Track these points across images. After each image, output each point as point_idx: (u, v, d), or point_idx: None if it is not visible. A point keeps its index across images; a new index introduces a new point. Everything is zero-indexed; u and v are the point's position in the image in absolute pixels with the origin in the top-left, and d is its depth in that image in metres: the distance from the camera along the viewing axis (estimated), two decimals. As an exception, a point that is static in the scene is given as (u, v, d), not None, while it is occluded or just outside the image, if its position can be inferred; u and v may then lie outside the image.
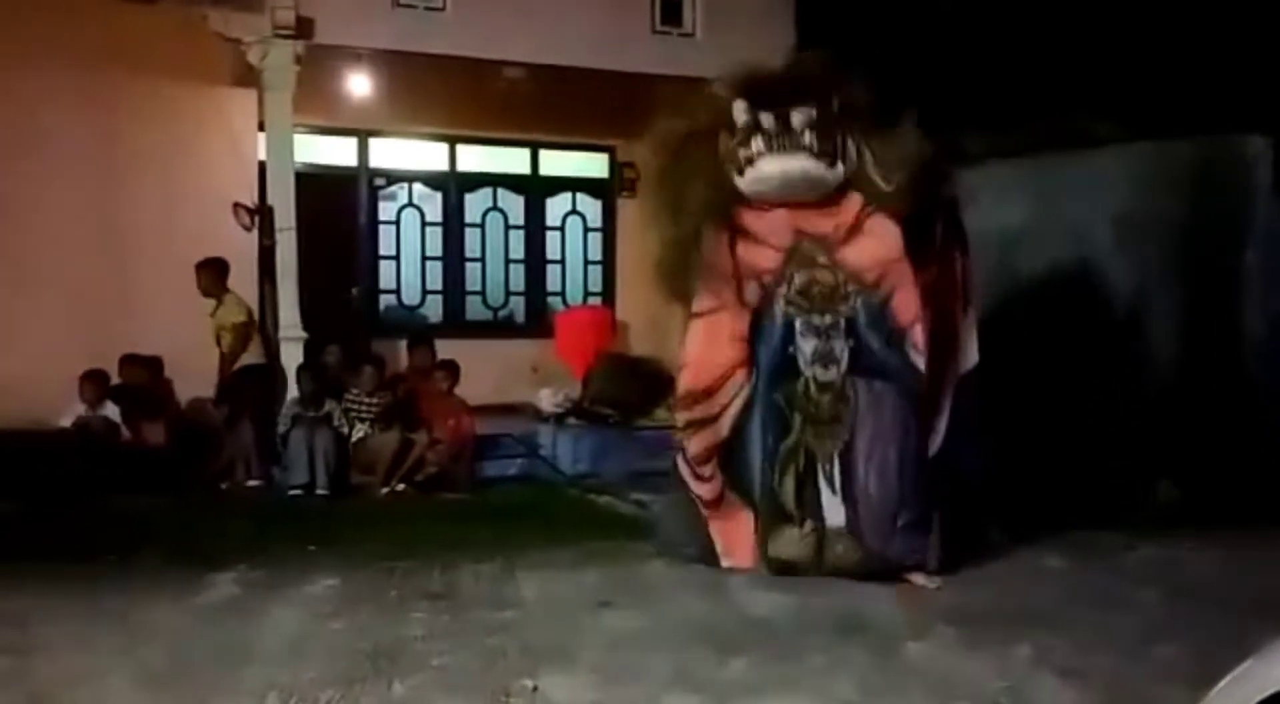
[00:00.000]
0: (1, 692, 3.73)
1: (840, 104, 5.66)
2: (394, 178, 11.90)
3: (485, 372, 9.68)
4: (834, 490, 5.63)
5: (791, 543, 5.65)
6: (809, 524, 5.63)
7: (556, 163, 12.40)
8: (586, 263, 12.64)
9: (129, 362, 8.83)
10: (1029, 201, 8.48)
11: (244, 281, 9.69)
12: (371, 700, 3.70)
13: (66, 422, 8.23)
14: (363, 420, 8.48)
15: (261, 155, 9.59)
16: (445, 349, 9.31)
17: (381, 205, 11.88)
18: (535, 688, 3.81)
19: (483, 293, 12.25)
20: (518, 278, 12.39)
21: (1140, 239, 7.91)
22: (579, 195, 12.56)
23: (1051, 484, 6.90)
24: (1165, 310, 7.83)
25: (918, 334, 5.59)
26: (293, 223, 9.29)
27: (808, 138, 5.54)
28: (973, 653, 4.24)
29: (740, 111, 5.63)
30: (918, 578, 5.46)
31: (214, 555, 5.84)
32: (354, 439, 8.45)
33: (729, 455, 5.90)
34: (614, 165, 12.44)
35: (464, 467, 8.54)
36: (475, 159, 12.12)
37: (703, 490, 5.92)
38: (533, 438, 9.51)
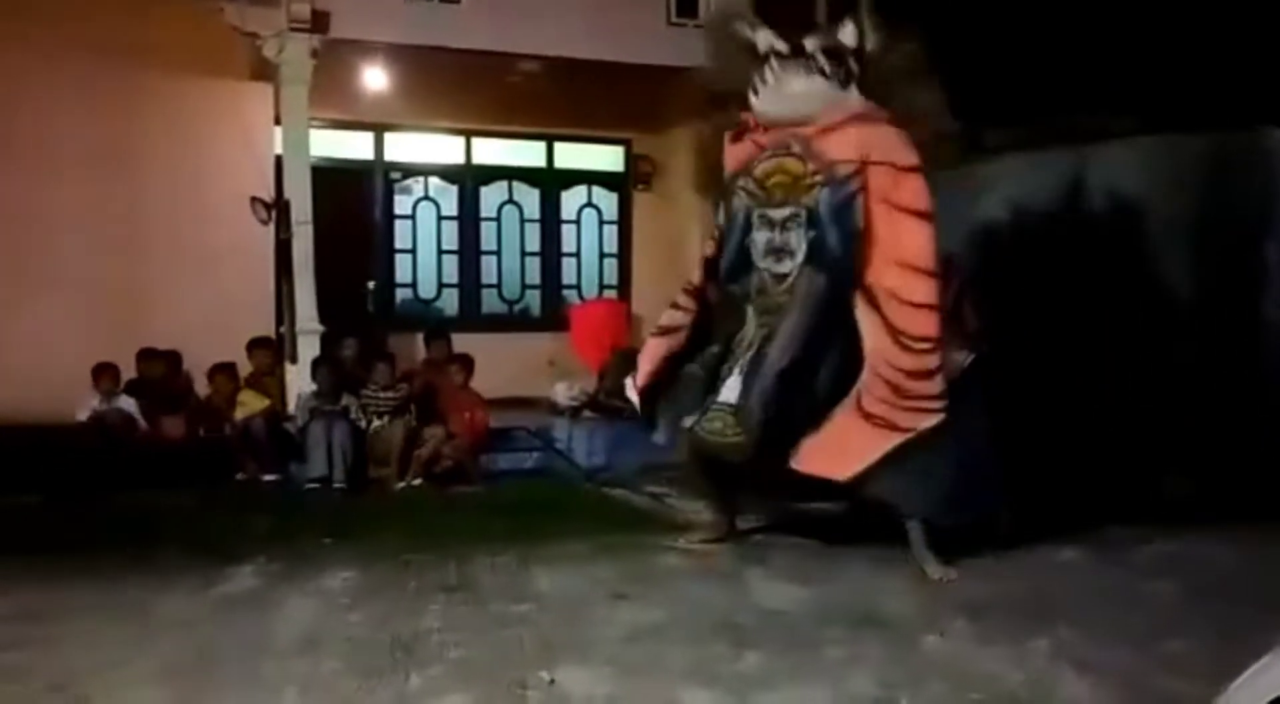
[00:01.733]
0: (22, 683, 3.76)
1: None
2: (410, 171, 11.93)
3: (501, 365, 9.70)
4: (739, 370, 5.67)
5: (712, 422, 5.68)
6: (711, 400, 5.72)
7: (572, 156, 12.42)
8: (602, 256, 12.66)
9: (147, 355, 8.88)
10: (1047, 194, 8.44)
11: (261, 276, 9.75)
12: (389, 692, 3.72)
13: (82, 415, 8.27)
14: (380, 415, 8.50)
15: (278, 149, 9.63)
16: (461, 342, 9.33)
17: (397, 199, 11.92)
18: (552, 680, 3.82)
19: (498, 286, 12.28)
20: (533, 271, 12.41)
21: (1159, 232, 7.87)
22: (594, 188, 12.57)
23: (1065, 476, 6.87)
24: (1182, 302, 7.79)
25: (870, 238, 5.57)
26: (309, 217, 9.31)
27: (821, 60, 5.76)
28: (989, 646, 4.24)
29: (763, 39, 5.88)
30: (934, 570, 5.45)
31: (232, 548, 5.86)
32: (369, 432, 8.48)
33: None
34: (629, 158, 12.45)
35: (479, 460, 8.55)
36: (491, 152, 12.14)
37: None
38: (548, 431, 9.52)
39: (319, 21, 9.18)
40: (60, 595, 4.93)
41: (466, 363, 8.82)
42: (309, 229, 9.32)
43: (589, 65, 9.87)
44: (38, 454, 7.65)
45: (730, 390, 5.67)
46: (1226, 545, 5.84)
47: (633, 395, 6.32)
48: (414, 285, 11.99)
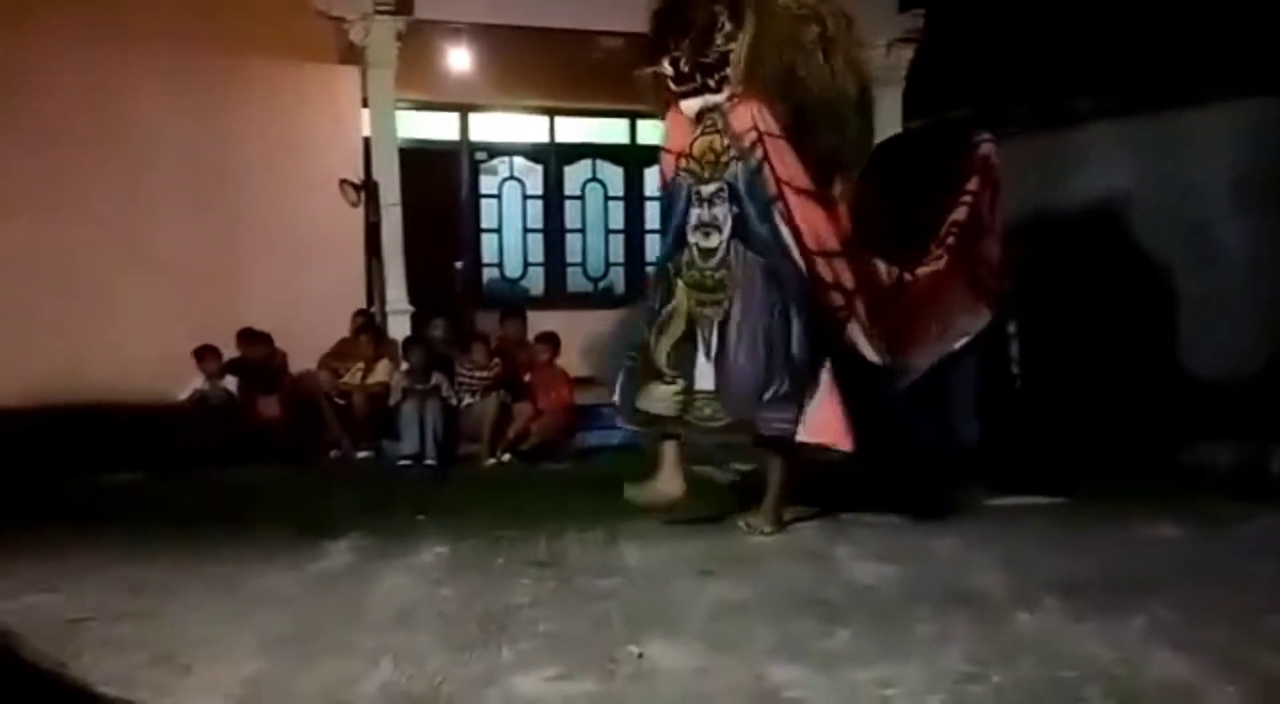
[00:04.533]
0: (127, 654, 3.89)
1: (714, 25, 5.90)
2: (495, 151, 12.01)
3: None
4: (708, 356, 5.84)
5: (661, 400, 5.92)
6: (680, 384, 5.87)
7: (654, 132, 12.34)
8: (686, 232, 12.59)
9: (247, 336, 9.10)
10: (1139, 162, 8.21)
11: (351, 258, 9.91)
12: (481, 666, 3.77)
13: (184, 395, 8.52)
14: (472, 393, 8.62)
15: (366, 132, 9.76)
16: (547, 320, 9.40)
17: (483, 179, 12.02)
18: (641, 655, 3.85)
19: (583, 264, 12.33)
20: (617, 249, 12.43)
21: (1257, 199, 7.61)
22: (678, 165, 12.50)
23: (1165, 451, 6.72)
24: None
25: (784, 209, 5.75)
26: (397, 198, 9.45)
27: (698, 76, 5.92)
28: (1083, 624, 4.16)
29: (663, 68, 6.09)
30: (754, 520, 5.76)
31: (327, 524, 6.01)
32: (460, 409, 8.61)
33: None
34: (714, 133, 12.35)
35: (567, 437, 8.63)
36: (574, 131, 12.17)
37: None
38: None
39: (404, 4, 9.28)
40: (164, 570, 5.09)
41: (554, 341, 8.88)
42: (397, 210, 9.46)
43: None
44: (142, 432, 7.91)
45: (704, 377, 5.86)
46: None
47: None
48: (500, 265, 12.10)
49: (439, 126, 11.67)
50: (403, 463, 8.27)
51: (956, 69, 10.21)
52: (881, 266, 6.37)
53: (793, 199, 5.78)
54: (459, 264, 11.63)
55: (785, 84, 5.86)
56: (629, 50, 10.15)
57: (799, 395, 5.68)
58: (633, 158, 12.36)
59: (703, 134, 5.97)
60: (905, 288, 6.40)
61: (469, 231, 11.91)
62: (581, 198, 12.29)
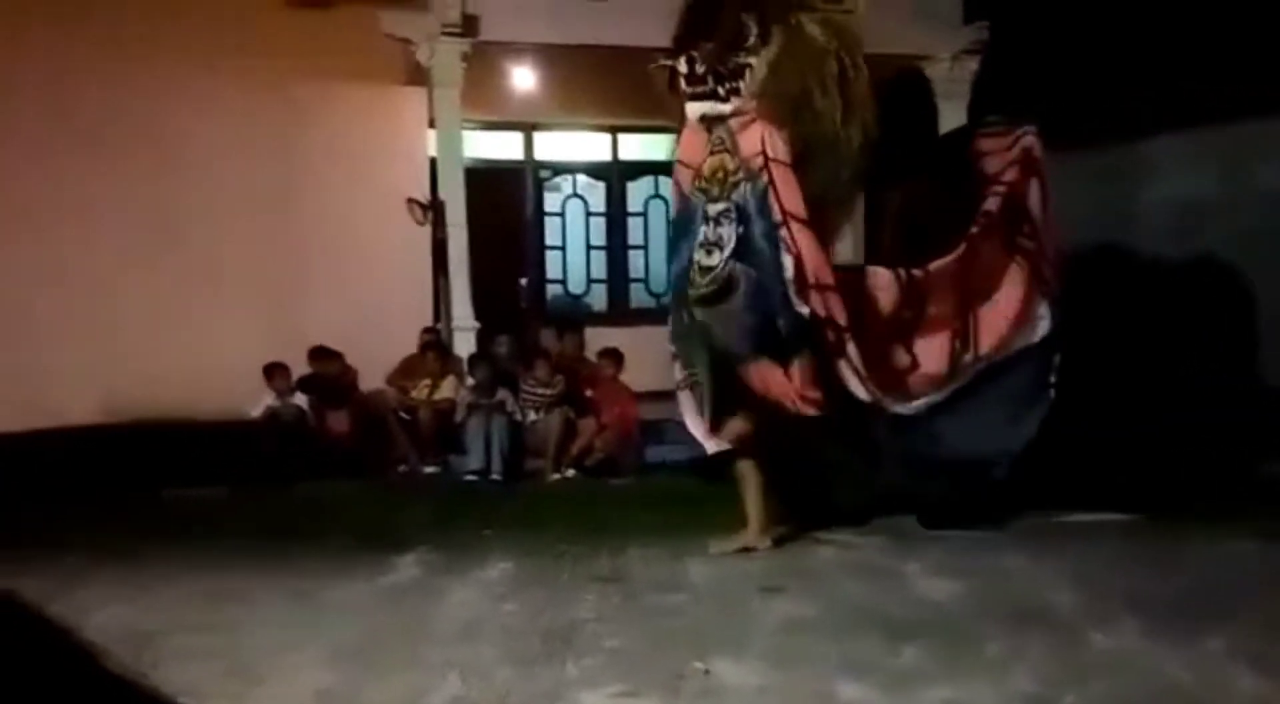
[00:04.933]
0: (204, 664, 3.97)
1: (741, 34, 5.85)
2: (558, 169, 12.09)
3: (650, 358, 9.74)
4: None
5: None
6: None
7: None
8: (749, 248, 12.57)
9: (318, 353, 9.21)
10: (1216, 171, 8.06)
11: (418, 275, 10.02)
12: (547, 681, 3.79)
13: (256, 412, 8.67)
14: (536, 409, 8.68)
15: (432, 152, 9.88)
16: (610, 336, 9.43)
17: (547, 196, 12.09)
18: (707, 671, 3.84)
19: (645, 280, 12.34)
20: (680, 265, 12.40)
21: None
22: (741, 180, 12.49)
23: (1242, 463, 6.56)
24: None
25: (788, 236, 5.67)
26: (463, 217, 9.55)
27: (710, 82, 5.86)
28: (1158, 643, 4.06)
29: (679, 65, 6.02)
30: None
31: (396, 538, 6.08)
32: (525, 425, 8.67)
33: None
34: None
35: (630, 452, 8.64)
36: (636, 148, 12.19)
37: None
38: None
39: (469, 25, 9.40)
40: (238, 582, 5.19)
41: (617, 357, 8.91)
42: (463, 229, 9.56)
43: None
44: (217, 448, 8.07)
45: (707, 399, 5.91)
46: None
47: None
48: (564, 281, 12.16)
49: (503, 145, 11.77)
50: (468, 478, 8.34)
51: (1023, 80, 10.10)
52: (886, 274, 6.27)
53: (795, 229, 5.72)
54: (523, 281, 11.72)
55: (796, 111, 5.80)
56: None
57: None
58: (696, 174, 12.35)
59: (712, 153, 5.93)
60: (917, 284, 6.25)
61: (533, 248, 11.99)
62: (644, 214, 12.31)
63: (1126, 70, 9.08)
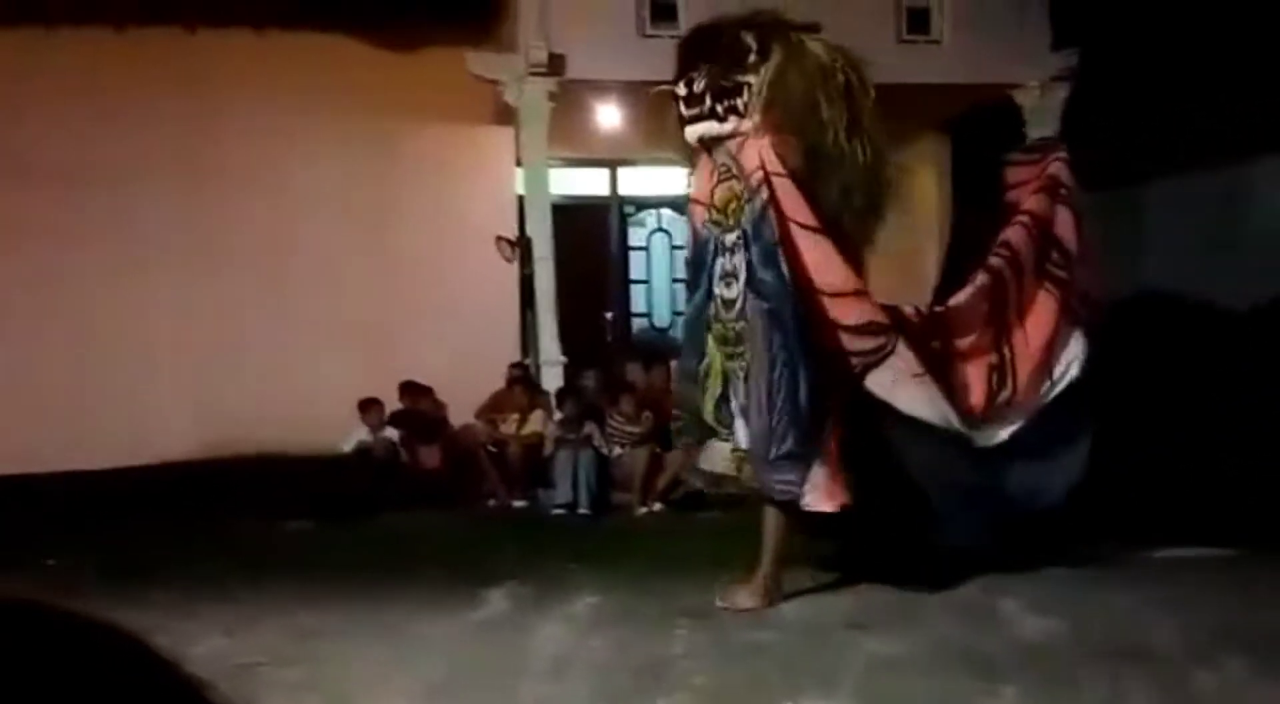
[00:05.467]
0: (295, 697, 4.03)
1: (741, 51, 5.68)
2: (643, 205, 12.17)
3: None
4: (741, 414, 5.61)
5: (720, 459, 5.75)
6: (732, 442, 5.66)
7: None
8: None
9: (410, 389, 9.36)
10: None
11: (506, 311, 10.15)
12: (635, 717, 3.78)
13: (347, 447, 8.83)
14: (623, 445, 8.70)
15: (519, 189, 10.02)
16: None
17: (631, 231, 12.19)
18: (797, 710, 3.80)
19: (732, 313, 12.32)
20: (765, 297, 12.38)
21: None
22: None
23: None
24: None
25: (790, 250, 5.44)
26: (550, 253, 9.65)
27: (708, 102, 5.68)
28: (1267, 682, 3.92)
29: (677, 89, 5.89)
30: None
31: (485, 572, 6.11)
32: (612, 459, 8.69)
33: None
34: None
35: (718, 486, 8.60)
36: (721, 181, 12.23)
37: None
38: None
39: (555, 64, 9.52)
40: (332, 616, 5.26)
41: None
42: (550, 264, 9.66)
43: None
44: (310, 482, 8.23)
45: (742, 436, 5.65)
46: None
47: None
48: (649, 315, 12.21)
49: (589, 182, 11.90)
50: (556, 512, 8.38)
51: (1114, 108, 9.92)
52: (907, 310, 5.99)
53: (800, 236, 5.52)
54: (609, 315, 11.79)
55: (804, 118, 5.61)
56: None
57: (807, 455, 5.33)
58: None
59: (720, 181, 5.79)
60: (939, 320, 6.01)
61: (618, 283, 12.08)
62: (729, 247, 12.33)
63: (1225, 95, 8.86)
